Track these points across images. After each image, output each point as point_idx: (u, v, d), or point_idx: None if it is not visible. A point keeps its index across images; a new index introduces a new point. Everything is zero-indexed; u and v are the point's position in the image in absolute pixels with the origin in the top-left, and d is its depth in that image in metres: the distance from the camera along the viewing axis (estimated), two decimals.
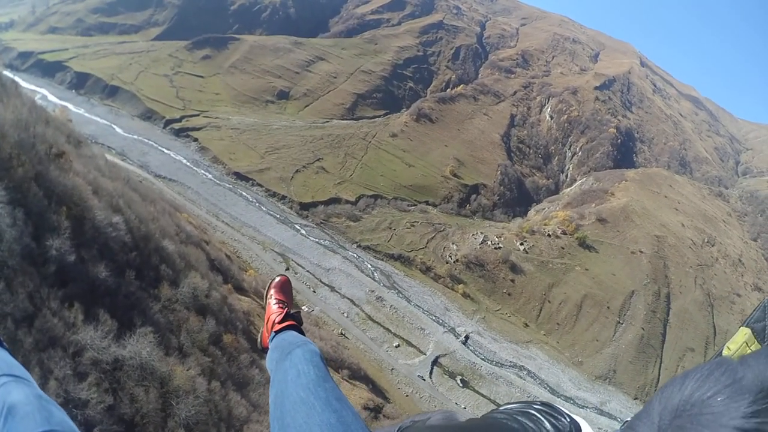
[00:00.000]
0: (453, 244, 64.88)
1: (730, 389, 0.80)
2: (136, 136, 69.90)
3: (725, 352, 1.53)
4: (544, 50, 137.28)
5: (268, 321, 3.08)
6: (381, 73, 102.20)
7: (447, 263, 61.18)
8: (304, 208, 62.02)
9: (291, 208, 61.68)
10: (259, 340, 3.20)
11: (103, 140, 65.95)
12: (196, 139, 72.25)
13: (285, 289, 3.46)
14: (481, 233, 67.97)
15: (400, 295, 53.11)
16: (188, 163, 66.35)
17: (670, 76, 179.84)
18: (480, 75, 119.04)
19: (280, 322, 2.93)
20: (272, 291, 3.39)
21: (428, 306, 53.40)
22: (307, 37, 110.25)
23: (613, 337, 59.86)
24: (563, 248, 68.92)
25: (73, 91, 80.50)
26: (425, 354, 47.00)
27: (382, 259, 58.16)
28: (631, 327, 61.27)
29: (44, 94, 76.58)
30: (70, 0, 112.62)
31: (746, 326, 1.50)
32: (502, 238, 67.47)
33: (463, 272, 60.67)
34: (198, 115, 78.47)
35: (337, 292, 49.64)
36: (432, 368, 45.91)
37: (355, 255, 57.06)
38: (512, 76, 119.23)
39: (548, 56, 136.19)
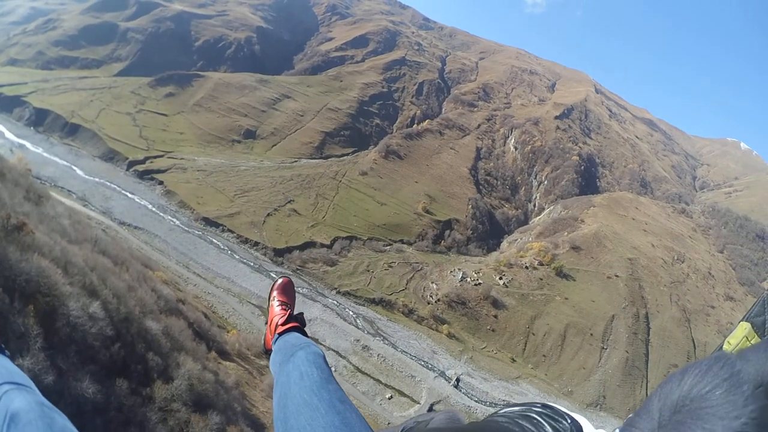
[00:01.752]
0: (433, 283, 63.76)
1: (729, 383, 0.80)
2: (98, 179, 66.12)
3: (726, 347, 1.53)
4: (503, 83, 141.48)
5: (271, 323, 3.07)
6: (347, 110, 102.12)
7: (429, 304, 59.83)
8: (279, 254, 59.58)
9: (265, 254, 59.09)
10: (262, 342, 3.18)
11: (63, 183, 62.14)
12: (161, 182, 69.03)
13: (287, 290, 3.42)
14: (459, 269, 67.28)
15: (386, 342, 51.15)
16: (154, 209, 62.92)
17: (624, 101, 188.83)
18: (444, 109, 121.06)
19: (283, 324, 2.91)
20: (275, 293, 3.36)
21: (415, 351, 51.63)
22: (272, 74, 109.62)
23: (599, 363, 60.15)
24: (542, 279, 69.09)
25: (32, 128, 76.19)
26: (419, 403, 45.04)
27: (364, 305, 56.22)
28: (615, 351, 61.85)
29: (1, 131, 72.43)
30: (31, 31, 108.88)
31: (746, 321, 1.52)
32: (481, 274, 66.90)
33: (445, 312, 59.47)
34: (162, 156, 75.36)
35: (321, 344, 46.97)
36: None
37: (335, 302, 54.87)
38: (475, 109, 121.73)
39: (508, 88, 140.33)
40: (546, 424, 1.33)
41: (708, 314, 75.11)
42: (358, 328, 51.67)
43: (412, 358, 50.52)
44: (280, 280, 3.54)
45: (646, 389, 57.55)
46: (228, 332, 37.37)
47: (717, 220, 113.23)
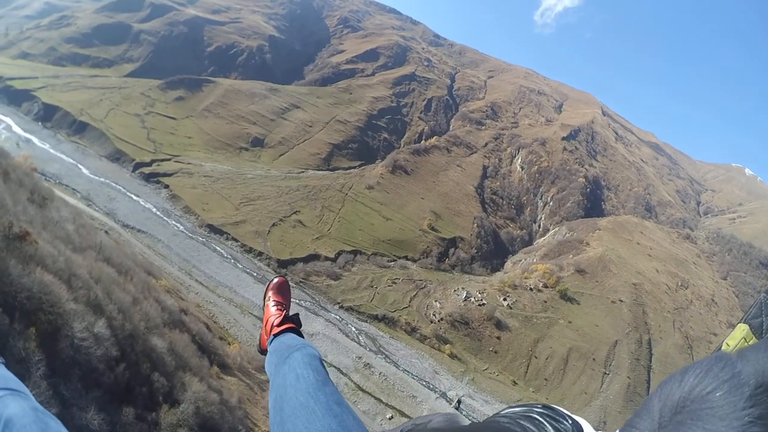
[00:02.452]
0: (436, 301, 63.03)
1: (729, 384, 0.80)
2: (103, 179, 65.71)
3: (724, 348, 1.54)
4: (511, 102, 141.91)
5: (266, 323, 3.01)
6: (356, 123, 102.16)
7: (432, 323, 59.02)
8: (283, 265, 58.93)
9: (269, 265, 58.43)
10: (257, 342, 3.11)
11: (68, 181, 61.76)
12: (167, 186, 68.62)
13: (283, 290, 3.37)
14: (463, 289, 66.62)
15: (388, 360, 50.29)
16: (158, 213, 62.41)
17: (630, 123, 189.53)
18: (452, 126, 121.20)
19: (278, 325, 2.87)
20: (270, 293, 3.30)
21: (417, 370, 50.75)
22: (282, 84, 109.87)
23: (601, 389, 59.30)
24: (546, 302, 68.36)
25: (40, 123, 75.89)
26: None
27: (366, 321, 55.45)
28: (617, 377, 61.03)
29: (8, 123, 72.35)
30: (44, 26, 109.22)
31: (744, 323, 1.54)
32: (485, 294, 66.20)
33: (448, 331, 58.65)
34: (169, 159, 75.09)
35: (323, 361, 46.38)
36: None
37: (338, 317, 54.08)
38: (482, 127, 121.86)
39: (516, 108, 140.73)
40: (547, 425, 1.33)
41: (710, 341, 74.31)
42: (361, 345, 50.84)
43: (413, 378, 49.65)
44: (275, 280, 3.48)
45: None
46: (230, 345, 36.59)
47: (721, 247, 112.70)
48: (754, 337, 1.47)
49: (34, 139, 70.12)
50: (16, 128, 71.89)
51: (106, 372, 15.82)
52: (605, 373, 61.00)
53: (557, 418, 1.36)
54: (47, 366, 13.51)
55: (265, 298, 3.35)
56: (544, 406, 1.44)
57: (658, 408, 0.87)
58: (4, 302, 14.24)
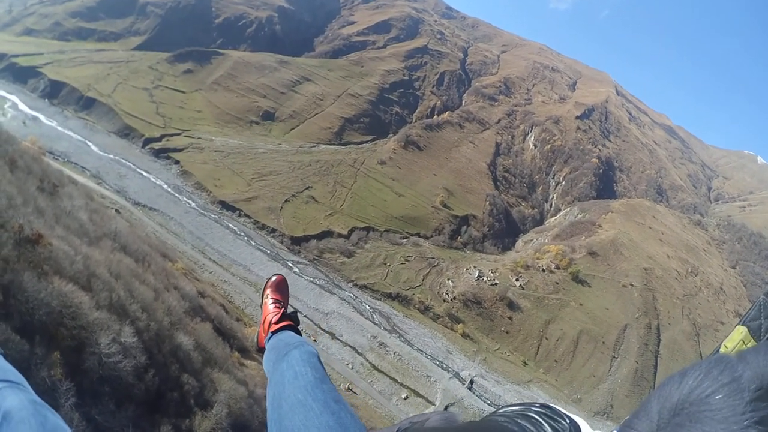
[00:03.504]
0: (449, 280, 62.81)
1: (729, 387, 0.80)
2: (112, 156, 64.72)
3: (722, 351, 1.51)
4: (525, 78, 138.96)
5: (264, 321, 3.03)
6: (368, 96, 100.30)
7: (445, 301, 58.94)
8: (296, 242, 58.53)
9: (282, 242, 58.03)
10: (255, 340, 3.12)
11: (76, 159, 60.84)
12: (177, 162, 67.72)
13: (281, 288, 3.36)
14: (475, 267, 66.33)
15: (402, 339, 50.34)
16: (170, 189, 61.71)
17: (644, 104, 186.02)
18: (464, 101, 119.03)
19: (276, 323, 2.88)
20: (268, 290, 3.31)
21: (430, 350, 50.85)
22: (292, 56, 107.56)
23: (609, 372, 59.58)
24: (557, 283, 68.09)
25: (46, 100, 74.57)
26: (434, 405, 44.39)
27: (380, 299, 55.32)
28: (625, 361, 61.22)
29: (15, 101, 71.06)
30: (48, 1, 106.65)
31: (742, 325, 1.51)
32: (498, 274, 65.92)
33: (461, 310, 58.61)
34: (179, 134, 73.99)
35: (338, 339, 46.31)
36: None
37: (352, 295, 53.91)
38: (496, 103, 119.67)
39: (529, 84, 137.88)
40: (545, 424, 1.30)
41: (717, 330, 74.15)
42: (375, 324, 50.80)
43: (427, 357, 49.80)
44: (274, 278, 3.46)
45: None
46: (248, 327, 36.37)
47: (731, 235, 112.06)
48: (752, 340, 1.45)
49: (41, 117, 68.92)
50: (22, 106, 70.56)
51: (136, 383, 15.16)
52: (614, 357, 61.16)
53: (555, 417, 1.34)
54: (77, 393, 12.57)
55: (263, 295, 3.33)
56: (542, 405, 1.40)
57: (657, 409, 0.86)
58: (21, 325, 13.04)
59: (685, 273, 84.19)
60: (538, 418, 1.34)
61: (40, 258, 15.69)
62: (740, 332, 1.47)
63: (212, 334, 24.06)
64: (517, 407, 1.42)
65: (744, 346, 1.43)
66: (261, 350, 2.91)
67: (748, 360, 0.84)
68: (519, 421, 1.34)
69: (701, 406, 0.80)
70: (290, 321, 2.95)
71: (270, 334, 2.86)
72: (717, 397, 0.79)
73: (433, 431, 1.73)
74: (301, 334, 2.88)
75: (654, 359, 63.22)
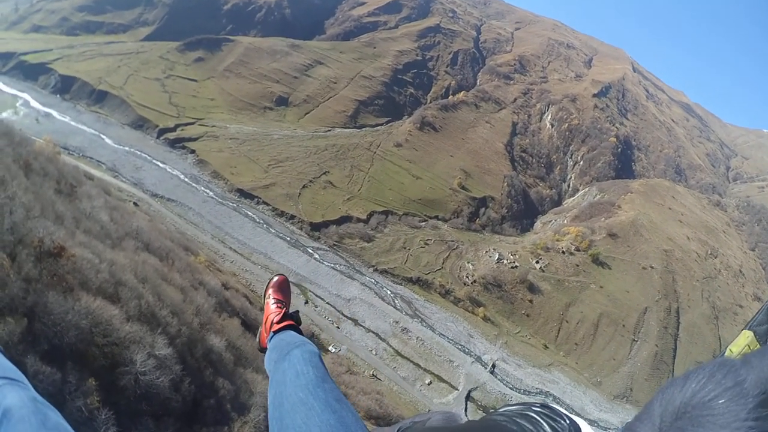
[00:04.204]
0: (468, 263, 62.48)
1: (732, 392, 0.79)
2: (127, 148, 64.77)
3: (727, 355, 1.51)
4: (540, 55, 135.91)
5: (266, 321, 3.05)
6: (381, 78, 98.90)
7: (465, 285, 58.75)
8: (315, 228, 58.48)
9: (301, 228, 58.00)
10: (257, 340, 3.15)
11: (92, 153, 60.98)
12: (193, 151, 67.65)
13: (283, 288, 3.39)
14: (495, 250, 65.83)
15: (424, 324, 50.41)
16: (186, 179, 61.74)
17: (661, 82, 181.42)
18: (479, 81, 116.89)
19: (278, 322, 2.90)
20: (270, 291, 3.33)
21: (452, 334, 50.90)
22: (303, 39, 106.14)
23: (629, 355, 59.29)
24: (578, 265, 67.43)
25: (58, 96, 74.44)
26: (458, 389, 44.62)
27: (401, 284, 55.30)
28: (645, 344, 60.81)
29: (26, 99, 70.97)
30: None
31: (749, 329, 1.52)
32: (517, 256, 65.41)
33: (481, 294, 58.43)
34: (193, 123, 73.75)
35: (361, 325, 46.48)
36: (466, 404, 43.69)
37: (373, 280, 53.93)
38: (511, 82, 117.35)
39: (544, 61, 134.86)
40: (544, 423, 1.33)
41: (736, 313, 73.10)
42: (397, 309, 50.89)
43: (449, 342, 49.91)
44: (275, 278, 3.45)
45: None
46: None
47: (751, 216, 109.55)
48: (758, 344, 1.45)
49: (54, 113, 68.87)
50: (34, 103, 70.46)
51: (173, 395, 14.64)
52: (634, 340, 60.75)
53: (554, 417, 1.36)
54: (116, 420, 11.99)
55: (264, 296, 3.33)
56: (542, 405, 1.42)
57: (659, 413, 0.86)
58: (50, 349, 12.23)
59: (705, 255, 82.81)
60: (537, 417, 1.36)
61: (64, 271, 14.86)
62: (746, 336, 1.47)
63: (240, 330, 23.94)
64: (516, 407, 1.46)
65: (749, 350, 1.42)
66: (263, 350, 2.91)
67: (752, 364, 0.83)
68: (518, 420, 1.36)
69: (704, 410, 0.79)
70: (292, 321, 2.95)
71: (272, 334, 2.86)
72: (720, 401, 0.79)
73: (433, 431, 1.78)
74: (302, 334, 2.85)
75: (674, 342, 62.71)
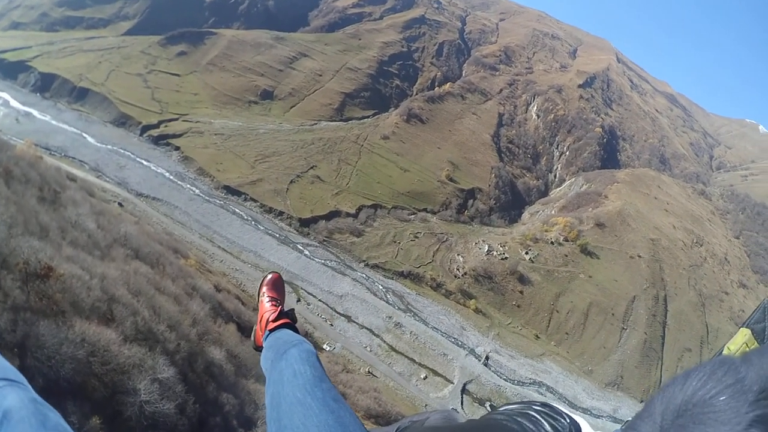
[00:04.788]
0: (459, 255, 62.50)
1: (733, 389, 0.80)
2: (110, 146, 63.07)
3: (725, 353, 1.54)
4: (524, 46, 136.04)
5: (261, 319, 3.01)
6: (367, 70, 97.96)
7: (456, 278, 58.79)
8: (304, 224, 57.84)
9: (290, 225, 57.30)
10: (252, 338, 3.11)
11: (74, 153, 59.16)
12: (177, 148, 66.24)
13: (277, 286, 3.35)
14: (484, 242, 65.94)
15: (417, 318, 50.32)
16: (172, 177, 60.38)
17: (645, 72, 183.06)
18: (464, 72, 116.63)
19: (274, 321, 2.86)
20: (264, 289, 3.28)
21: (445, 327, 50.92)
22: (287, 32, 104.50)
23: (619, 343, 60.11)
24: (566, 256, 67.95)
25: (38, 94, 72.15)
26: (453, 383, 44.68)
27: (392, 278, 55.06)
28: (634, 332, 61.72)
29: (6, 98, 68.67)
30: None
31: (746, 327, 1.52)
32: (507, 247, 65.62)
33: (472, 286, 58.55)
34: (177, 119, 72.16)
35: (354, 322, 46.16)
36: (462, 398, 43.81)
37: (364, 275, 53.58)
38: (496, 73, 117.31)
39: (529, 52, 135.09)
40: (545, 422, 1.33)
41: (722, 300, 74.74)
42: (389, 304, 50.66)
43: (442, 335, 49.92)
44: (269, 276, 3.39)
45: (661, 371, 57.90)
46: None
47: (735, 205, 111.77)
48: (756, 342, 1.46)
49: (34, 112, 66.75)
50: (14, 103, 68.20)
51: (179, 419, 14.03)
52: (623, 329, 61.61)
53: (555, 416, 1.37)
54: None
55: (259, 294, 3.27)
56: (543, 404, 1.42)
57: (660, 411, 0.86)
58: (47, 387, 11.24)
59: (691, 243, 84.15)
60: (537, 416, 1.36)
61: (53, 292, 13.86)
62: (744, 334, 1.48)
63: (238, 337, 23.38)
64: (517, 405, 1.46)
65: (747, 348, 1.43)
66: (258, 349, 2.85)
67: (752, 362, 0.84)
68: (518, 419, 1.36)
69: (705, 407, 0.80)
70: (288, 319, 2.87)
71: (268, 333, 2.79)
72: (720, 398, 0.79)
73: (432, 430, 1.77)
74: (299, 332, 2.78)
75: (662, 330, 63.77)
